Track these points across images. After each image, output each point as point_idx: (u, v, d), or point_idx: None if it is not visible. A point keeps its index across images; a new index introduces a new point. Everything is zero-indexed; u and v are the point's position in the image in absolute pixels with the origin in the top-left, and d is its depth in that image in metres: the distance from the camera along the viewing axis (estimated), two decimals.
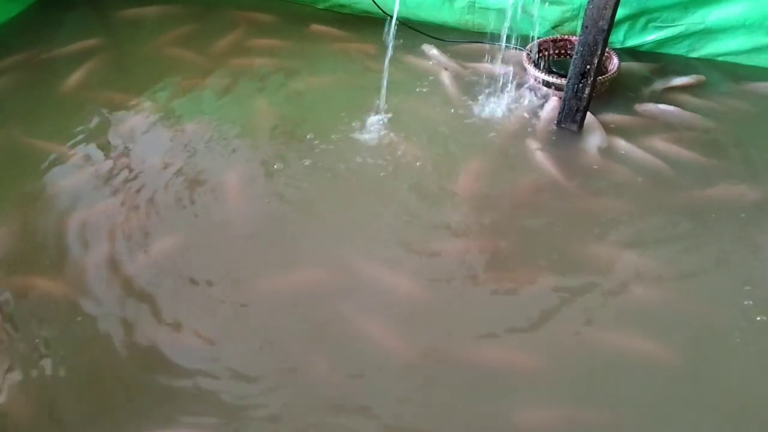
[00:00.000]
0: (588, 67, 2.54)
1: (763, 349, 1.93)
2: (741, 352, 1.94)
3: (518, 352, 1.99)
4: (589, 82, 2.57)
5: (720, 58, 3.12)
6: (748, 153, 2.63)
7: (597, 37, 2.46)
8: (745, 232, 2.29)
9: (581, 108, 2.66)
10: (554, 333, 2.02)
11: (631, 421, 1.81)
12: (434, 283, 2.17)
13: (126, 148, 2.70)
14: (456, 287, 2.16)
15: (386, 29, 2.82)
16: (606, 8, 2.38)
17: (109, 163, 2.62)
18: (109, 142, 2.73)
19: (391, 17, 2.79)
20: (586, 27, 2.46)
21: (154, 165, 2.61)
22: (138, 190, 2.49)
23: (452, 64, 3.10)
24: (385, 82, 2.78)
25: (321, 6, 3.54)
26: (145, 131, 2.78)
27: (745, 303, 2.04)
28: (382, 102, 2.79)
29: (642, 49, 3.19)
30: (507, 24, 3.01)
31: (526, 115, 2.83)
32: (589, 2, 2.41)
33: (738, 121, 2.80)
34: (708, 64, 3.12)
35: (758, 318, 2.00)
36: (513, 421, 1.81)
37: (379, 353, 1.98)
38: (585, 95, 2.62)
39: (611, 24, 2.44)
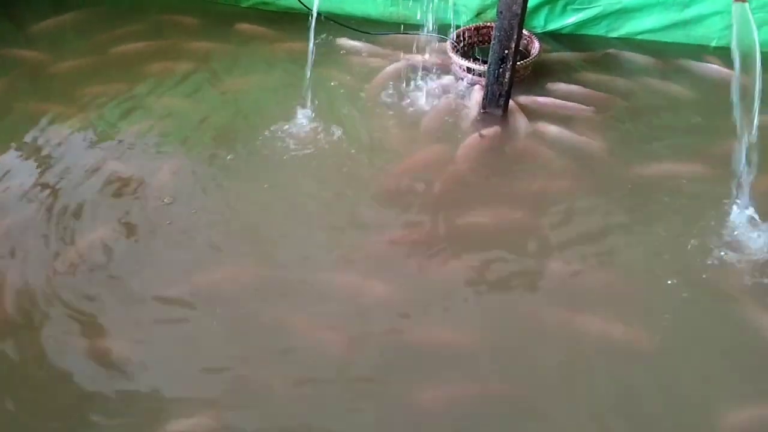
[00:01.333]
0: (506, 52, 2.57)
1: (679, 315, 2.00)
2: (659, 321, 2.00)
3: (451, 331, 2.02)
4: (508, 66, 2.61)
5: (638, 37, 3.20)
6: (665, 126, 2.72)
7: (512, 21, 2.49)
8: (668, 206, 2.36)
9: (503, 93, 2.69)
10: (485, 312, 2.06)
11: (542, 393, 1.86)
12: (365, 269, 2.19)
13: (50, 157, 2.64)
14: (387, 273, 2.17)
15: (314, 25, 2.82)
16: None
17: (37, 172, 2.56)
18: (35, 152, 2.67)
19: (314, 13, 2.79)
20: (501, 13, 2.49)
21: (79, 173, 2.55)
22: (62, 197, 2.44)
23: (377, 56, 3.12)
24: (308, 76, 2.77)
25: (244, 4, 3.51)
26: (68, 140, 2.71)
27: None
28: (308, 97, 2.78)
29: (563, 32, 3.25)
30: (430, 14, 3.04)
31: (452, 102, 2.85)
32: None
33: (653, 96, 2.88)
34: (627, 42, 3.20)
35: (669, 281, 2.08)
36: (418, 399, 1.85)
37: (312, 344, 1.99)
38: (506, 80, 2.65)
39: (524, 8, 2.48)
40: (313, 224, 2.35)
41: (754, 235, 2.20)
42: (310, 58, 2.74)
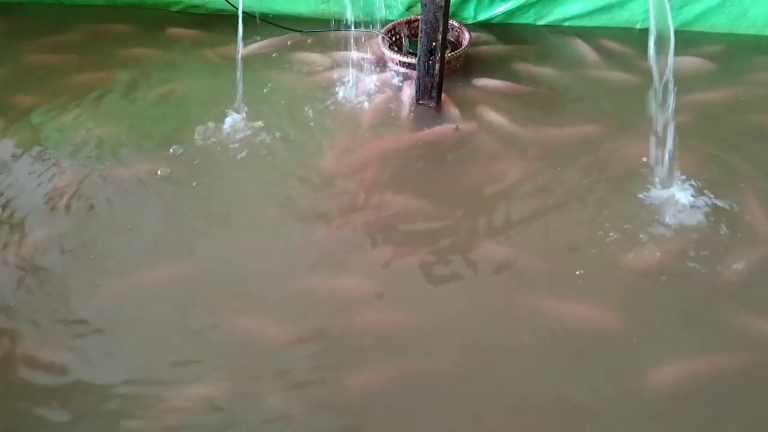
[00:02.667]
0: (434, 44, 2.60)
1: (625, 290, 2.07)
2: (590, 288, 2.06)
3: (395, 313, 2.05)
4: (437, 58, 2.64)
5: (566, 23, 3.27)
6: (597, 108, 2.79)
7: (437, 14, 2.52)
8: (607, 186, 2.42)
9: (435, 84, 2.72)
10: (429, 294, 2.09)
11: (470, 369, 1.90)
12: (309, 262, 2.20)
13: None
14: (329, 264, 2.19)
15: (242, 25, 2.80)
16: None
17: None
18: None
19: (244, 13, 2.77)
20: (425, 5, 2.51)
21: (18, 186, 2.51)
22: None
23: (312, 54, 3.13)
24: (239, 77, 2.76)
25: (175, 9, 3.48)
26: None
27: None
28: (241, 98, 2.77)
29: (493, 22, 3.30)
30: (361, 10, 3.06)
31: (387, 96, 2.87)
32: None
33: (579, 79, 2.96)
34: (555, 29, 3.27)
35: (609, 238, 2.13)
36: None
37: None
38: (436, 72, 2.68)
39: (448, 1, 2.51)
40: (249, 222, 2.35)
41: (678, 210, 2.28)
42: (240, 58, 2.73)
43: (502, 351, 1.93)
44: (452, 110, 2.75)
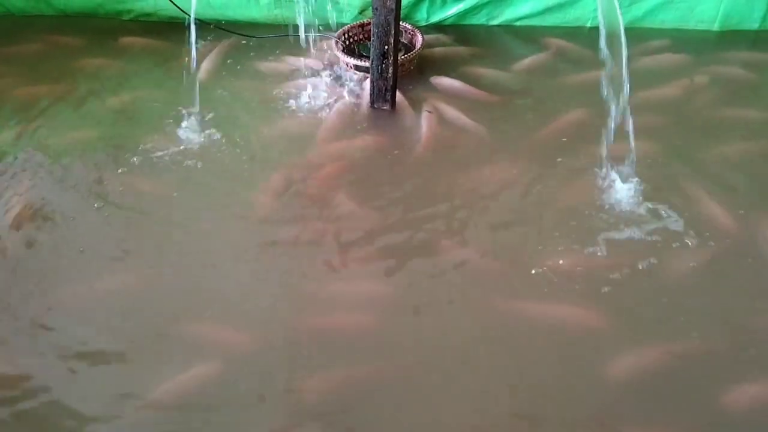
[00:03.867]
0: (386, 47, 2.61)
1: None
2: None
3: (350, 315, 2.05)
4: (390, 61, 2.65)
5: (518, 23, 3.31)
6: (551, 105, 2.82)
7: (388, 17, 2.53)
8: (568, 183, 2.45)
9: (389, 87, 2.73)
10: (386, 296, 2.10)
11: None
12: (269, 270, 2.19)
13: None
14: (289, 271, 2.18)
15: (194, 32, 2.78)
16: None
17: None
18: None
19: (196, 20, 2.75)
20: (376, 9, 2.52)
21: None
22: None
23: (267, 60, 3.12)
24: (193, 85, 2.74)
25: (127, 17, 3.45)
26: None
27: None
28: (196, 105, 2.75)
29: (446, 23, 3.32)
30: (314, 14, 3.06)
31: (343, 100, 2.87)
32: None
33: (533, 78, 2.99)
34: (507, 29, 3.31)
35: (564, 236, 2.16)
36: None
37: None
38: (390, 74, 2.69)
39: (399, 3, 2.52)
40: (202, 232, 2.32)
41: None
42: (192, 66, 2.71)
43: (458, 350, 1.94)
44: (408, 112, 2.77)
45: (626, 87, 2.29)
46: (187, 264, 2.21)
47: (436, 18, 3.30)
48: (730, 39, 3.23)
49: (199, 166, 2.55)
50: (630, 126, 2.32)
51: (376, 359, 1.93)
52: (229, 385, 1.87)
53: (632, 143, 2.33)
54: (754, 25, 3.26)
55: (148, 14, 3.39)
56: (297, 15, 3.06)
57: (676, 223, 2.24)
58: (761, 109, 2.76)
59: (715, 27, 3.26)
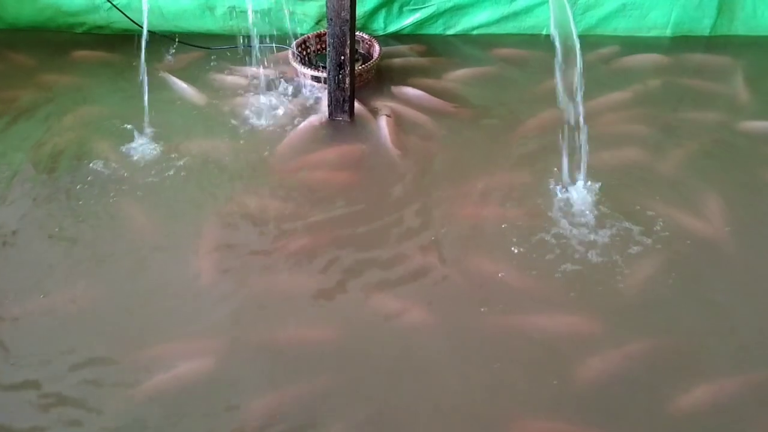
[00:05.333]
0: (342, 58, 2.60)
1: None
2: None
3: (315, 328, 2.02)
4: (347, 72, 2.64)
5: (474, 32, 3.33)
6: (508, 112, 2.85)
7: (343, 28, 2.52)
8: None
9: (347, 98, 2.72)
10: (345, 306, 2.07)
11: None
12: (229, 276, 2.15)
13: None
14: (251, 277, 2.15)
15: (145, 45, 2.74)
16: None
17: None
18: None
19: (150, 32, 2.71)
20: (331, 20, 2.51)
21: None
22: None
23: (223, 72, 3.09)
24: (146, 98, 2.69)
25: (79, 30, 3.39)
26: None
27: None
28: (148, 121, 2.70)
29: (404, 32, 3.33)
30: (270, 25, 3.04)
31: (300, 111, 2.85)
32: None
33: (490, 85, 3.02)
34: (464, 38, 3.33)
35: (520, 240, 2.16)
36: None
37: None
38: (347, 85, 2.68)
39: (353, 14, 2.51)
40: (154, 248, 2.27)
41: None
42: (145, 79, 2.66)
43: (423, 364, 1.92)
44: (367, 122, 2.76)
45: (580, 94, 2.31)
46: (129, 285, 2.15)
47: (393, 28, 3.30)
48: (682, 44, 3.30)
49: (147, 185, 2.48)
50: (583, 132, 2.33)
51: (336, 374, 1.91)
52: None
53: (584, 148, 2.34)
54: (705, 31, 3.33)
55: (101, 27, 3.34)
56: (253, 26, 3.05)
57: (631, 226, 2.26)
58: (713, 112, 2.82)
59: (668, 33, 3.32)
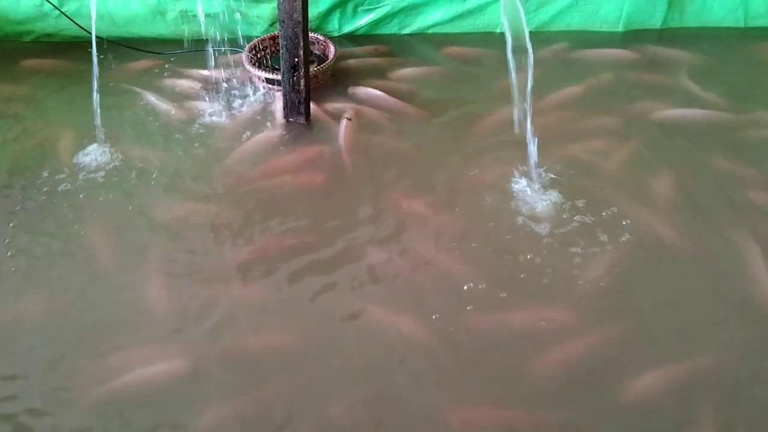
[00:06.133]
0: (296, 60, 2.58)
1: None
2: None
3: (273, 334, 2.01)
4: (302, 74, 2.62)
5: (430, 30, 3.33)
6: (465, 110, 2.85)
7: (296, 29, 2.50)
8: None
9: (302, 100, 2.70)
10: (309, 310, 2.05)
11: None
12: (181, 285, 2.12)
13: None
14: (206, 285, 2.12)
15: (100, 51, 2.68)
16: (295, 0, 2.43)
17: None
18: None
19: (100, 38, 2.67)
20: (283, 21, 2.49)
21: None
22: None
23: (177, 77, 3.05)
24: (97, 106, 2.64)
25: (27, 39, 3.31)
26: None
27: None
28: (99, 128, 2.65)
29: (359, 33, 3.32)
30: (223, 28, 3.01)
31: (256, 114, 2.82)
32: None
33: (447, 84, 3.03)
34: (420, 37, 3.33)
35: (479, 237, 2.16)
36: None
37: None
38: (302, 87, 2.66)
39: (306, 15, 2.50)
40: (110, 257, 2.23)
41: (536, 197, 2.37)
42: (95, 87, 2.61)
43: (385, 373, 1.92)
44: (324, 123, 2.74)
45: (530, 90, 2.31)
46: (90, 296, 2.11)
47: (348, 28, 3.29)
48: (634, 38, 3.33)
49: (99, 194, 2.44)
50: (529, 128, 2.34)
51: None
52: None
53: (533, 145, 2.35)
54: (657, 24, 3.37)
55: (50, 35, 3.27)
56: (205, 30, 3.01)
57: (585, 222, 2.28)
58: (666, 104, 2.85)
59: (620, 27, 3.35)
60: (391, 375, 1.88)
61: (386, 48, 3.25)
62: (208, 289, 2.11)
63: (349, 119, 2.72)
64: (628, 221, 2.27)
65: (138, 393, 1.84)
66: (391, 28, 3.31)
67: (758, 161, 2.53)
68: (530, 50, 2.25)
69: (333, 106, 2.87)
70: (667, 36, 3.37)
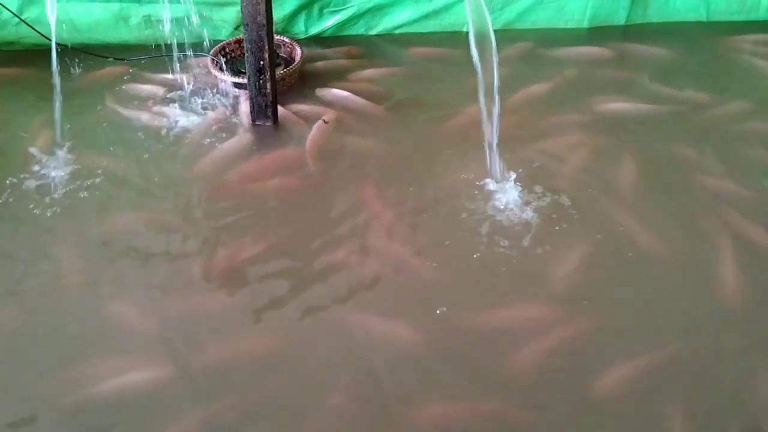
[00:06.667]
0: (262, 63, 2.56)
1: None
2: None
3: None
4: (268, 77, 2.60)
5: (397, 31, 3.33)
6: (434, 110, 2.85)
7: (260, 32, 2.48)
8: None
9: (269, 103, 2.68)
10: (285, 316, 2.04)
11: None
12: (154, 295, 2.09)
13: None
14: (177, 296, 2.09)
15: (62, 58, 2.63)
16: (259, 3, 2.41)
17: None
18: None
19: (63, 46, 2.61)
20: (247, 25, 2.47)
21: None
22: None
23: (144, 83, 3.01)
24: (59, 115, 2.60)
25: None
26: None
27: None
28: (62, 136, 2.61)
29: (326, 35, 3.30)
30: (188, 32, 2.98)
31: (223, 119, 2.79)
32: (241, 0, 2.42)
33: (415, 83, 3.02)
34: (387, 38, 3.32)
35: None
36: None
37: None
38: (268, 90, 2.64)
39: (270, 18, 2.48)
40: (70, 271, 2.18)
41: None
42: (57, 95, 2.57)
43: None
44: (293, 126, 2.72)
45: (496, 89, 2.31)
46: (43, 314, 2.06)
47: (315, 30, 3.27)
48: (599, 35, 3.36)
49: (62, 205, 2.38)
50: (495, 125, 2.33)
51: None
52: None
53: (497, 143, 2.35)
54: (621, 20, 3.40)
55: (11, 42, 3.20)
56: (170, 34, 2.97)
57: (553, 218, 2.30)
58: (631, 99, 2.88)
59: (585, 24, 3.38)
60: (366, 375, 1.87)
61: (354, 49, 3.24)
62: (176, 298, 2.09)
63: (326, 122, 2.71)
64: (595, 215, 2.30)
65: (108, 405, 1.81)
66: (358, 29, 3.30)
67: (716, 148, 2.61)
68: (495, 49, 2.25)
69: (301, 108, 2.85)
70: (632, 32, 3.41)
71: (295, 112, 2.81)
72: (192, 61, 3.06)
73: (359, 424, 1.78)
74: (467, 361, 1.91)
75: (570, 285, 2.09)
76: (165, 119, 2.78)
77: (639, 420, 1.77)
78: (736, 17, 3.45)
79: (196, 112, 2.81)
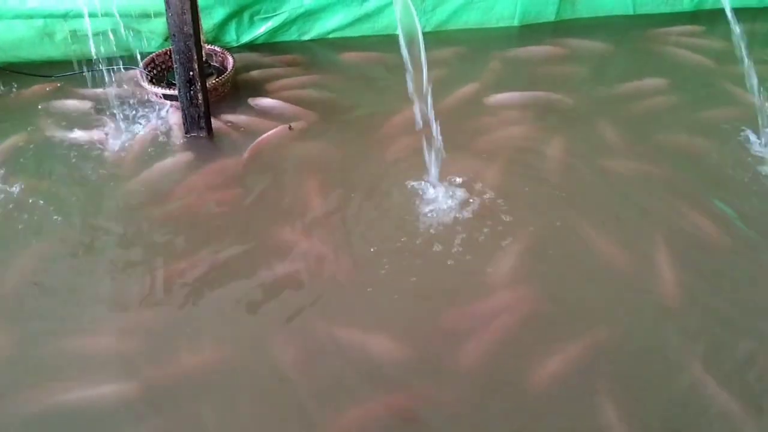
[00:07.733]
0: (191, 74, 2.52)
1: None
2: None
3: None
4: (198, 87, 2.56)
5: (330, 35, 3.32)
6: (371, 113, 2.86)
7: (188, 43, 2.45)
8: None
9: (202, 114, 2.65)
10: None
11: None
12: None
13: None
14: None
15: None
16: (185, 13, 2.38)
17: None
18: None
19: None
20: (174, 35, 2.43)
21: None
22: None
23: (72, 98, 2.94)
24: None
25: None
26: None
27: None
28: None
29: (258, 42, 3.28)
30: (115, 46, 2.92)
31: (156, 132, 2.74)
32: (167, 11, 2.39)
33: (351, 87, 3.03)
34: (321, 42, 3.32)
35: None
36: None
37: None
38: (200, 101, 2.61)
39: (197, 28, 2.45)
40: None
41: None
42: None
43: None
44: (227, 136, 2.69)
45: (428, 90, 2.33)
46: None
47: (246, 38, 3.25)
48: (530, 32, 3.42)
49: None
50: (433, 125, 2.35)
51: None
52: None
53: (431, 143, 2.38)
54: (551, 17, 3.46)
55: None
56: (97, 49, 2.90)
57: (492, 214, 2.32)
58: (565, 94, 2.94)
59: (515, 23, 3.43)
60: (319, 381, 1.87)
61: (288, 56, 3.22)
62: (120, 315, 2.05)
63: (291, 128, 2.69)
64: (533, 209, 2.33)
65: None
66: (291, 35, 3.29)
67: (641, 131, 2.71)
68: (423, 50, 2.26)
69: (235, 117, 2.82)
70: (562, 28, 3.48)
71: (228, 122, 2.79)
72: (123, 74, 3.00)
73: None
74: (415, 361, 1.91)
75: (509, 279, 2.12)
76: (96, 136, 2.71)
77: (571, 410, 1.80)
78: (662, 9, 3.54)
79: (128, 128, 2.75)
